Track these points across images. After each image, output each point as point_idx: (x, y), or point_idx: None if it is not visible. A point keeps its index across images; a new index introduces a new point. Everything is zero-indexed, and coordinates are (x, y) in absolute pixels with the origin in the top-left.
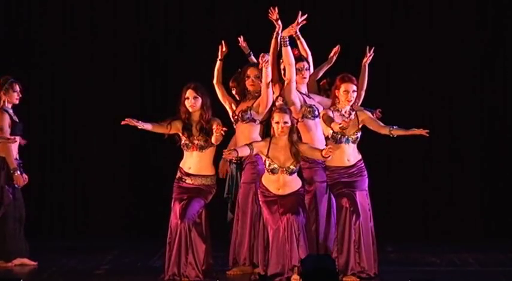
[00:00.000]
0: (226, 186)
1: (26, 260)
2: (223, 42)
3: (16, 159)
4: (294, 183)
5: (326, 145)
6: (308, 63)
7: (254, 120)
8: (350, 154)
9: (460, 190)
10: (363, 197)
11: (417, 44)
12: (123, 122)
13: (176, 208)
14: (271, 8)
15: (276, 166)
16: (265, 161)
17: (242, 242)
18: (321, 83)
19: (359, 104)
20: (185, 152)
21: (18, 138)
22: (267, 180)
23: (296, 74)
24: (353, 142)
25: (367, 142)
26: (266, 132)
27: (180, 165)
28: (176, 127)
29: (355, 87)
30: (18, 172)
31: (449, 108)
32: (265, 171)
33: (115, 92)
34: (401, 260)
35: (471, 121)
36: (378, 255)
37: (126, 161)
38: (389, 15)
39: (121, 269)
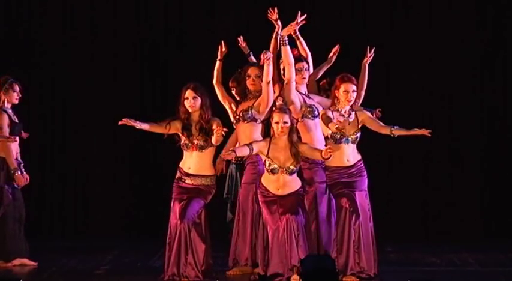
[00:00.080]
0: (226, 186)
1: (26, 261)
2: (222, 42)
3: (16, 159)
4: (294, 183)
5: (325, 145)
6: (307, 63)
7: (255, 120)
8: (349, 154)
9: (460, 190)
10: (362, 197)
11: (417, 44)
12: (120, 122)
13: (176, 208)
14: (271, 8)
15: (276, 165)
16: (265, 161)
17: (244, 242)
18: (320, 83)
19: (359, 104)
20: (185, 152)
21: (17, 138)
22: (267, 180)
23: (295, 75)
24: (352, 142)
25: (367, 142)
26: (267, 132)
27: (180, 165)
28: (176, 127)
29: (354, 88)
30: (19, 172)
31: (449, 108)
32: (265, 171)
33: (115, 92)
34: (401, 261)
35: (471, 121)
36: (377, 255)
37: (126, 161)
38: (389, 15)
39: (121, 269)
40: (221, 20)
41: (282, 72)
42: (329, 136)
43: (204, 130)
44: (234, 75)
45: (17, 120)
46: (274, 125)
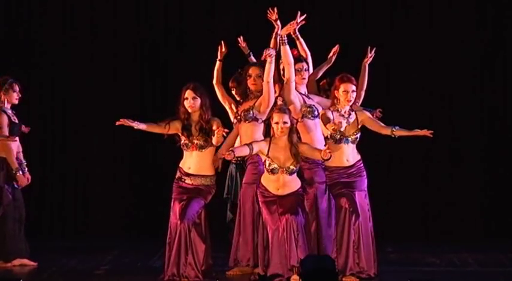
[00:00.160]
0: (225, 186)
1: (26, 261)
2: (222, 42)
3: (18, 159)
4: (294, 183)
5: (325, 145)
6: (307, 63)
7: (257, 120)
8: (349, 154)
9: (460, 190)
10: (362, 198)
11: (417, 44)
12: (117, 123)
13: (176, 208)
14: (270, 8)
15: (276, 165)
16: (265, 161)
17: (245, 243)
18: (320, 83)
19: (359, 104)
20: (185, 152)
21: (17, 138)
22: (267, 180)
23: (295, 75)
24: (352, 142)
25: (367, 142)
26: (268, 132)
27: (180, 165)
28: (175, 127)
29: (354, 88)
30: (21, 172)
31: (449, 108)
32: (265, 171)
33: (115, 92)
34: (401, 261)
35: (471, 121)
36: (377, 255)
37: (126, 161)
38: (389, 15)
39: (121, 269)
40: (221, 20)
41: (281, 72)
42: (329, 136)
43: (204, 130)
44: (234, 75)
45: (16, 121)
46: (274, 125)
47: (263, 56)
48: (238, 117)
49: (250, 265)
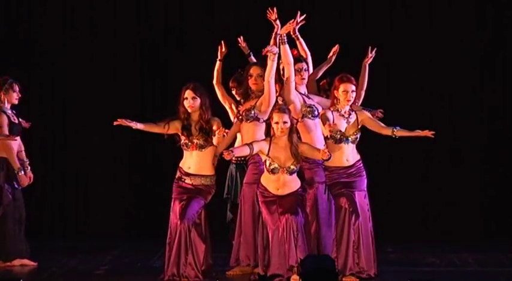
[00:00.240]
0: (226, 186)
1: (26, 261)
2: (222, 42)
3: (20, 159)
4: (294, 183)
5: (325, 145)
6: (307, 64)
7: (258, 119)
8: (349, 154)
9: (460, 190)
10: (361, 198)
11: (417, 44)
12: (115, 123)
13: (176, 208)
14: (270, 8)
15: (276, 165)
16: (265, 161)
17: (246, 243)
18: (320, 83)
19: (359, 104)
20: (185, 152)
21: (17, 138)
22: (267, 180)
23: (295, 75)
24: (352, 142)
25: (367, 142)
26: (268, 132)
27: (180, 165)
28: (175, 127)
29: (354, 88)
30: (22, 172)
31: (449, 108)
32: (265, 171)
33: (115, 92)
34: (401, 261)
35: (471, 121)
36: (377, 255)
37: (126, 161)
38: (389, 15)
39: (121, 270)
40: (221, 20)
41: (281, 72)
42: (329, 136)
43: (204, 130)
44: (234, 75)
45: (16, 121)
46: (274, 125)
47: (264, 52)
48: (240, 117)
49: (250, 265)
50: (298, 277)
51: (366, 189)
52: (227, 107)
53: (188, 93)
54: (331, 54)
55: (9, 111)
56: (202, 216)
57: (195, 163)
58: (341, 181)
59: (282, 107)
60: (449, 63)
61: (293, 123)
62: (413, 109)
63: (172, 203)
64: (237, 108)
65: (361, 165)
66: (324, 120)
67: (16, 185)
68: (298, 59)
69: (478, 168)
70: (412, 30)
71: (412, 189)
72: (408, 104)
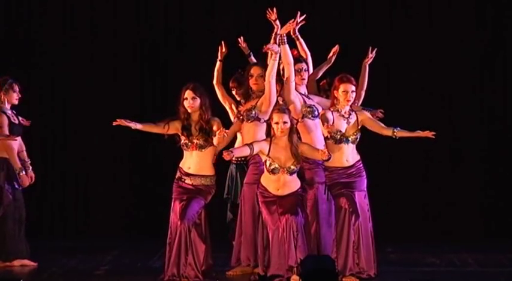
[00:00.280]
0: (226, 186)
1: (26, 261)
2: (222, 42)
3: (22, 158)
4: (294, 183)
5: (325, 145)
6: (307, 64)
7: (259, 119)
8: (349, 155)
9: (460, 190)
10: (361, 198)
11: (417, 44)
12: (114, 123)
13: (176, 208)
14: (269, 8)
15: (276, 165)
16: (265, 161)
17: (247, 243)
18: (320, 84)
19: (359, 104)
20: (185, 152)
21: (18, 138)
22: (267, 180)
23: (295, 76)
24: (352, 143)
25: (367, 142)
26: (268, 132)
27: (180, 165)
28: (175, 127)
29: (353, 88)
30: (24, 172)
31: (449, 108)
32: (265, 171)
33: (115, 92)
34: (401, 261)
35: (471, 121)
36: (377, 255)
37: (126, 161)
38: (389, 15)
39: (121, 270)
40: (221, 20)
41: (281, 72)
42: (329, 136)
43: (204, 130)
44: (234, 75)
45: (16, 121)
46: (274, 126)
47: (265, 48)
48: (241, 117)
49: (250, 265)
50: (298, 277)
51: (365, 189)
52: (227, 107)
53: (188, 94)
54: (331, 54)
55: (9, 112)
56: (202, 216)
57: (195, 163)
58: (341, 181)
59: (282, 107)
60: (449, 63)
61: (293, 123)
62: (413, 109)
63: (172, 203)
64: (237, 108)
65: (361, 165)
66: (323, 120)
67: (16, 186)
68: (298, 59)
69: (478, 168)
70: (412, 30)
71: (412, 189)
72: (408, 104)
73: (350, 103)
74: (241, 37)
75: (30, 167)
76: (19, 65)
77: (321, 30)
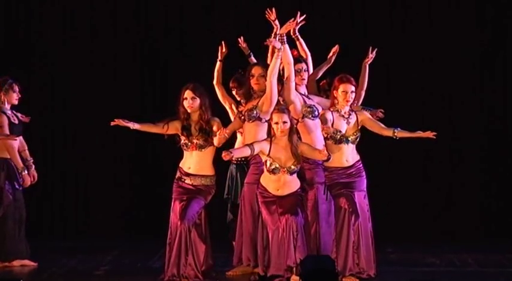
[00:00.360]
0: (226, 187)
1: (26, 262)
2: (223, 43)
3: (24, 158)
4: (294, 183)
5: (325, 145)
6: (307, 64)
7: (260, 119)
8: (349, 155)
9: (460, 190)
10: (361, 198)
11: (417, 44)
12: (112, 123)
13: (176, 208)
14: (268, 8)
15: (277, 165)
16: (265, 161)
17: (247, 243)
18: (320, 84)
19: (359, 104)
20: (185, 152)
21: (18, 138)
22: (267, 180)
23: (295, 76)
24: (352, 143)
25: (367, 142)
26: (269, 132)
27: (180, 165)
28: (175, 127)
29: (353, 88)
30: (26, 171)
31: (449, 108)
32: (265, 171)
33: (115, 92)
34: (401, 261)
35: (471, 121)
36: (377, 255)
37: (126, 161)
38: (389, 15)
39: (121, 270)
40: (221, 20)
41: (281, 72)
42: (329, 136)
43: (204, 130)
44: (234, 75)
45: (16, 122)
46: (274, 126)
47: (267, 41)
48: (242, 117)
49: (251, 265)
50: (298, 278)
51: (365, 189)
52: (227, 107)
53: (188, 94)
54: (331, 54)
55: (9, 112)
56: (202, 216)
57: (195, 163)
58: (341, 181)
59: (282, 107)
60: (449, 63)
61: (293, 123)
62: (413, 109)
63: (172, 204)
64: (237, 108)
65: (361, 165)
66: (322, 121)
67: (17, 186)
68: (297, 59)
69: (478, 168)
70: (412, 30)
71: (412, 189)
72: (408, 104)
73: (349, 103)
74: (241, 37)
75: (33, 166)
76: (19, 65)
77: (321, 30)
